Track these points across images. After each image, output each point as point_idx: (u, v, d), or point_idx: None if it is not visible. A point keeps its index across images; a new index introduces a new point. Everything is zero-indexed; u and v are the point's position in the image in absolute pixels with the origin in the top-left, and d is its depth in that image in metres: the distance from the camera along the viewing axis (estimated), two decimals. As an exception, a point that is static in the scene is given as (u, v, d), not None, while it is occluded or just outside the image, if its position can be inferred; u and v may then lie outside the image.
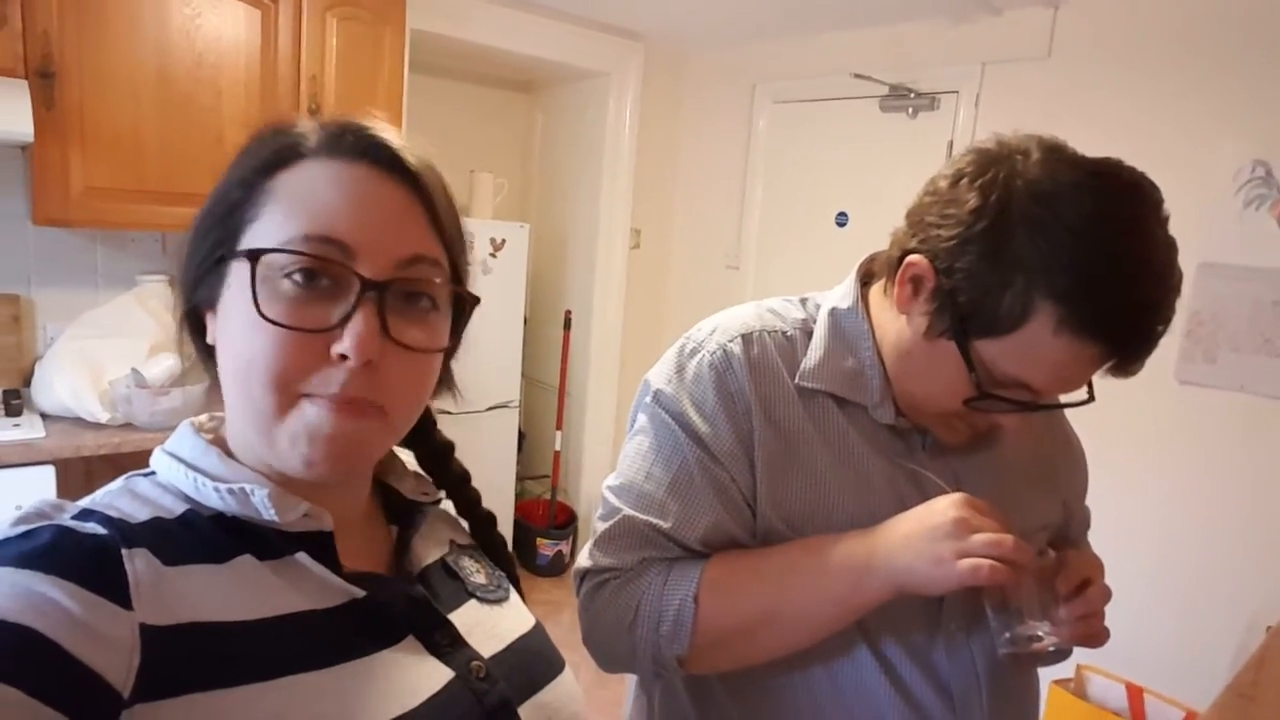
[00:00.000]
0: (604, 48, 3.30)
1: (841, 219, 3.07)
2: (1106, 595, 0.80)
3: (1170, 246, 0.71)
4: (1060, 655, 0.78)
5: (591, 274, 3.55)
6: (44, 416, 2.11)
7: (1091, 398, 0.79)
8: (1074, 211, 0.68)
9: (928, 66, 2.75)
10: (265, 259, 0.51)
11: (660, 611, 0.79)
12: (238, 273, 0.53)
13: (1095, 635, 0.80)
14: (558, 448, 3.65)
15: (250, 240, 0.53)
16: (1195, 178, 2.20)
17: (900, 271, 0.78)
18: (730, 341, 0.86)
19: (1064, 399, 0.82)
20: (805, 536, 0.82)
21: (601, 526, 0.85)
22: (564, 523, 3.61)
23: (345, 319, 0.51)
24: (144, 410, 2.06)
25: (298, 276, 0.51)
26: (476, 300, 0.60)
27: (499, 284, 3.30)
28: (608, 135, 3.44)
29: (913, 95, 2.79)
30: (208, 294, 0.56)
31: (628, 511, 0.83)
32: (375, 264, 0.52)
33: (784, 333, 0.88)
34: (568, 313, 3.61)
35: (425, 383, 0.58)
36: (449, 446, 0.75)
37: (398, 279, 0.53)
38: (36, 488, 1.88)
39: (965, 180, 0.73)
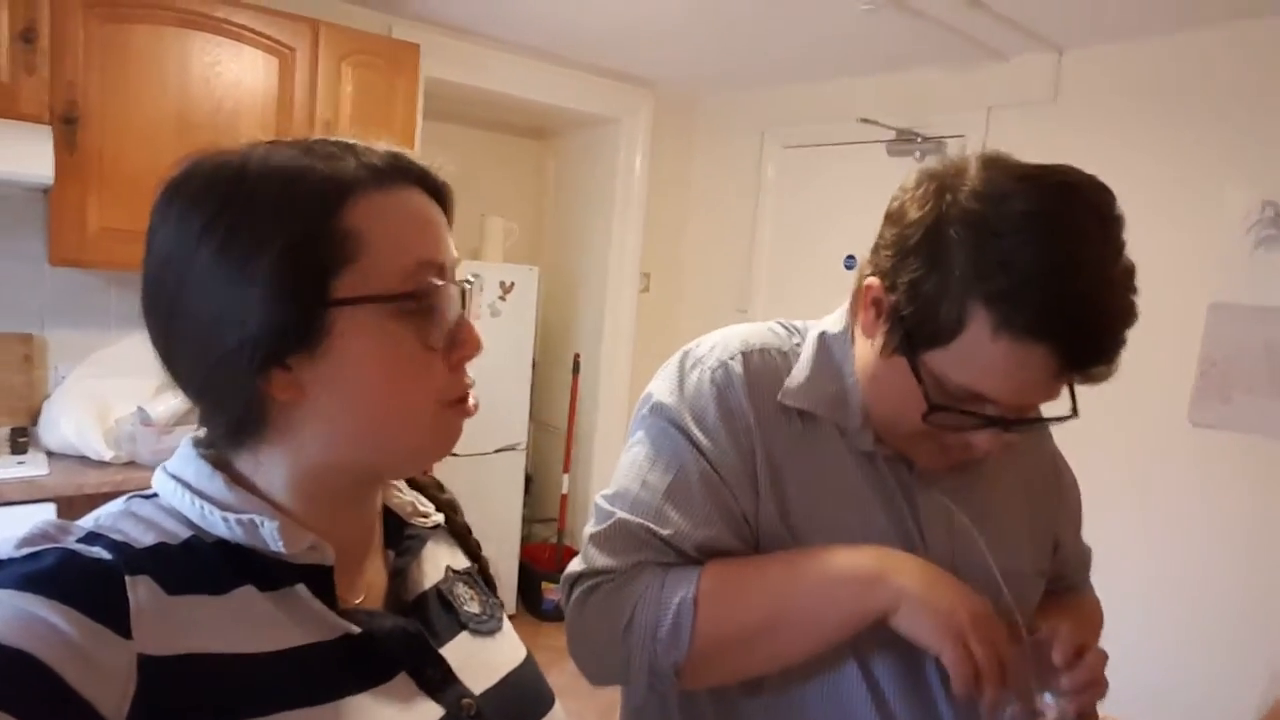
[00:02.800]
0: (615, 95, 3.36)
1: (850, 262, 3.08)
2: (1104, 660, 0.77)
3: (1107, 242, 0.69)
4: None
5: (601, 317, 3.56)
6: (49, 454, 2.12)
7: (1075, 413, 0.76)
8: (1000, 216, 0.68)
9: (935, 111, 2.79)
10: (429, 295, 0.54)
11: (658, 617, 0.77)
12: (359, 316, 0.52)
13: (1097, 699, 0.77)
14: (565, 491, 3.62)
15: (356, 283, 0.52)
16: (1204, 219, 2.19)
17: (862, 297, 0.79)
18: (731, 358, 0.86)
19: (1046, 414, 0.79)
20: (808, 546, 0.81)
21: (594, 530, 0.84)
22: (571, 568, 3.57)
23: (454, 327, 0.56)
24: (147, 448, 2.07)
25: (450, 305, 0.56)
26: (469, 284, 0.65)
27: (508, 326, 3.31)
28: (618, 180, 3.49)
29: (920, 139, 2.82)
30: (295, 348, 0.52)
31: (622, 515, 0.82)
32: (452, 275, 0.57)
33: (783, 351, 0.88)
34: (576, 356, 3.62)
35: None
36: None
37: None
38: (39, 525, 1.88)
39: (907, 198, 0.75)
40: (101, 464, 2.09)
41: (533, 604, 3.50)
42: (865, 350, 0.82)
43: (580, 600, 0.82)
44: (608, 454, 3.62)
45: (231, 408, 0.54)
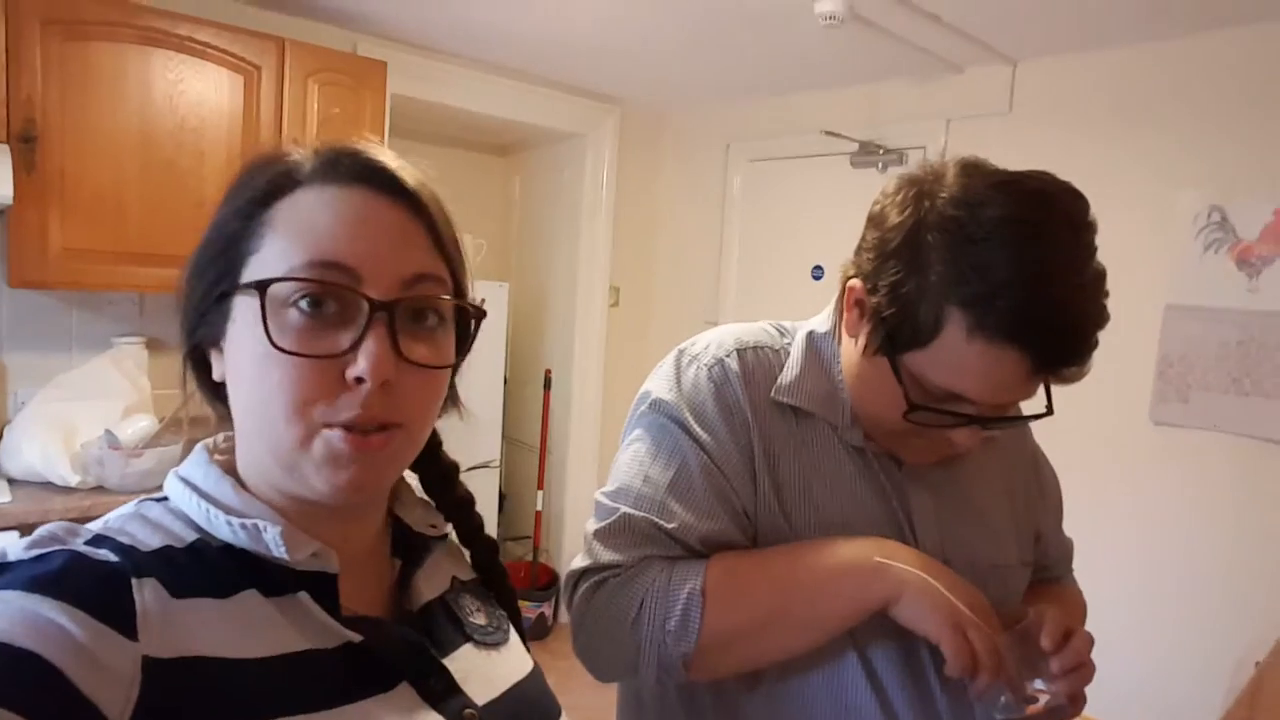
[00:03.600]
0: (580, 111, 3.38)
1: (817, 273, 3.13)
2: (1090, 643, 0.79)
3: (1079, 248, 0.72)
4: (1059, 714, 0.77)
5: (571, 333, 3.56)
6: (11, 481, 2.05)
7: (1050, 410, 0.79)
8: (976, 222, 0.70)
9: (895, 123, 2.86)
10: (272, 290, 0.51)
11: (666, 609, 0.78)
12: (244, 307, 0.52)
13: (1086, 683, 0.79)
14: (539, 508, 3.60)
15: (253, 273, 0.52)
16: (1157, 223, 2.28)
17: (845, 298, 0.82)
18: (726, 355, 0.87)
19: (1023, 412, 0.82)
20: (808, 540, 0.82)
21: (597, 525, 0.84)
22: (546, 584, 3.54)
23: (357, 342, 0.51)
24: (116, 472, 2.02)
25: (304, 304, 0.51)
26: (482, 314, 0.61)
27: (479, 344, 3.28)
28: (585, 195, 3.51)
29: (882, 151, 2.88)
30: (211, 331, 0.55)
31: (626, 510, 0.82)
32: (381, 285, 0.52)
33: (775, 349, 0.90)
34: (548, 372, 3.61)
35: (438, 397, 0.58)
36: (454, 468, 0.73)
37: (404, 298, 0.53)
38: None
39: (888, 203, 0.77)
40: (68, 489, 2.03)
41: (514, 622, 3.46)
42: (850, 349, 0.84)
43: (586, 596, 0.83)
44: (582, 470, 3.61)
45: (201, 376, 0.58)
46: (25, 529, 1.87)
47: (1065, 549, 1.06)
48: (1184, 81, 2.25)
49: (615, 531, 0.82)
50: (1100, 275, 0.72)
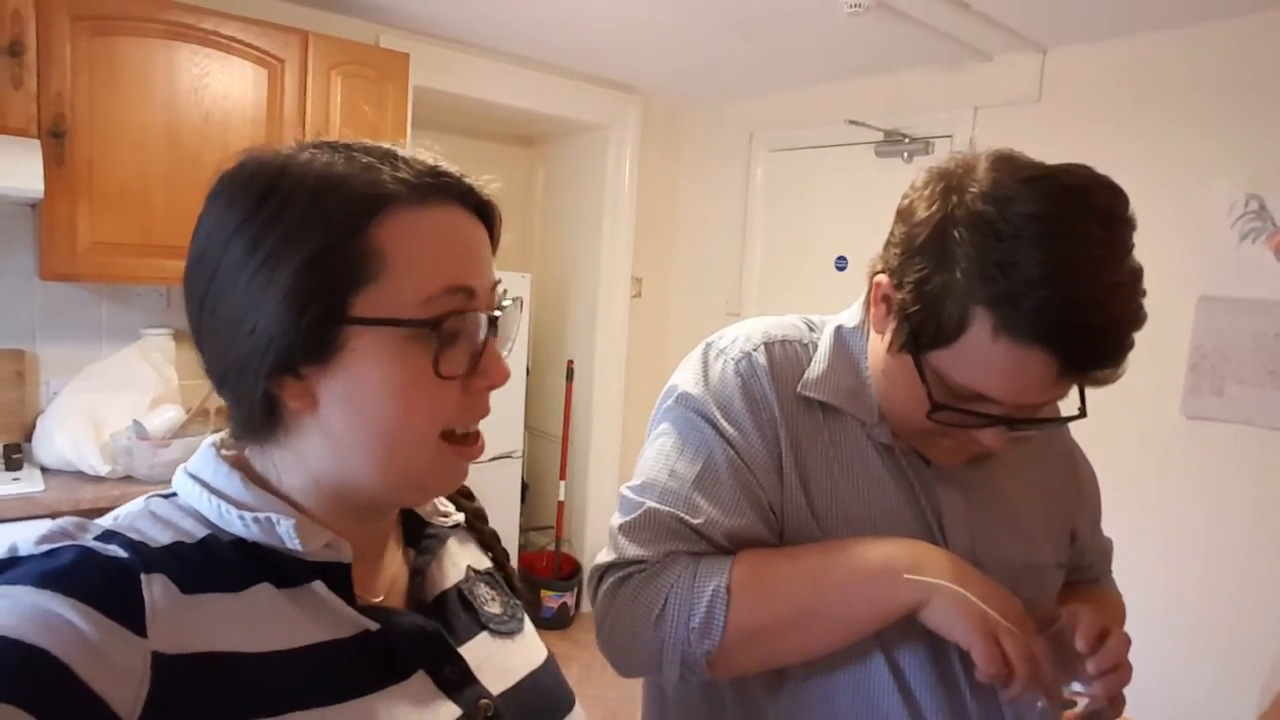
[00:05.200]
0: (602, 101, 3.37)
1: (841, 263, 3.10)
2: (1127, 643, 0.77)
3: (1110, 246, 0.68)
4: (1098, 717, 0.75)
5: (593, 323, 3.56)
6: (44, 470, 2.10)
7: (1083, 413, 0.77)
8: (1003, 218, 0.68)
9: (921, 112, 2.81)
10: (434, 322, 0.52)
11: (691, 605, 0.77)
12: (370, 335, 0.51)
13: (1124, 684, 0.77)
14: (561, 498, 3.61)
15: (376, 302, 0.51)
16: (1191, 213, 2.22)
17: (872, 293, 0.80)
18: (754, 349, 0.86)
19: (1057, 414, 0.80)
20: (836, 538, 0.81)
21: (623, 520, 0.83)
22: (568, 574, 3.56)
23: (478, 354, 0.55)
24: (144, 462, 2.05)
25: (457, 330, 0.54)
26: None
27: (501, 334, 3.30)
28: (607, 186, 3.50)
29: (907, 140, 2.84)
30: (307, 359, 0.52)
31: (652, 504, 0.81)
32: (485, 299, 0.56)
33: (804, 344, 0.89)
34: (570, 363, 3.62)
35: None
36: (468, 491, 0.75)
37: (497, 307, 0.57)
38: (35, 542, 1.86)
39: (916, 197, 0.76)
40: (98, 479, 2.07)
41: (531, 612, 3.48)
42: (877, 345, 0.83)
43: (611, 591, 0.82)
44: (603, 461, 3.61)
45: (245, 405, 0.54)
46: (58, 517, 1.90)
47: (1103, 549, 1.04)
48: (1220, 67, 2.19)
49: (640, 526, 0.81)
50: (1136, 274, 0.69)
